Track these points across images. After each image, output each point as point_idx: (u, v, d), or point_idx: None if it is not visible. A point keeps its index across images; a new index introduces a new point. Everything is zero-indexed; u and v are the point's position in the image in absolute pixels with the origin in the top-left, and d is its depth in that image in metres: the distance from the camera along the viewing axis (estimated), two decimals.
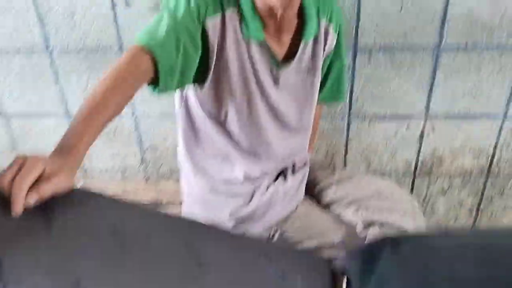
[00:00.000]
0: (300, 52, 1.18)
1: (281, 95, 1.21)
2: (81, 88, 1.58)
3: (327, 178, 1.38)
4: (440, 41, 1.42)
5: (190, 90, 1.22)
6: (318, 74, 1.24)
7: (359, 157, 1.67)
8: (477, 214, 1.78)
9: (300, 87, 1.23)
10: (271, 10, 1.11)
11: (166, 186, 1.66)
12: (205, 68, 1.11)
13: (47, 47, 1.51)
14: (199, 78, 1.13)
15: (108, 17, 1.43)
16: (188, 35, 1.02)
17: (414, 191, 1.74)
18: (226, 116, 1.20)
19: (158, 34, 0.98)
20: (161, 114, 1.62)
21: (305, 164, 1.38)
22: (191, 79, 1.08)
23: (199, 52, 1.06)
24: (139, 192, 1.61)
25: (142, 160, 1.73)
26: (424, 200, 1.76)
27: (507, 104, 1.52)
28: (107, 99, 0.87)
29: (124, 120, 1.64)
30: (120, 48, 1.48)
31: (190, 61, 1.04)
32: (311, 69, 1.23)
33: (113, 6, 1.42)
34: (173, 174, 1.75)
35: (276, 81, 1.19)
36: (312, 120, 1.34)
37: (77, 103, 1.61)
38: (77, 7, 1.42)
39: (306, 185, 1.36)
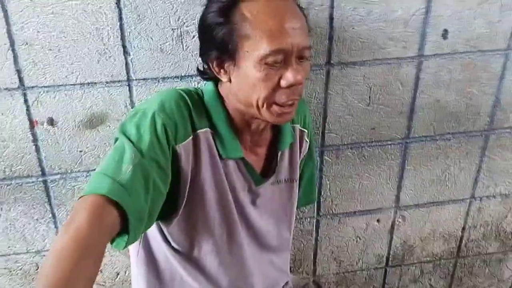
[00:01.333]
0: (278, 164, 1.03)
1: (259, 213, 1.04)
2: None
3: None
4: (409, 132, 1.33)
5: (152, 228, 0.99)
6: (296, 184, 1.10)
7: (329, 258, 1.51)
8: None
9: (278, 199, 1.08)
10: (249, 124, 0.95)
11: None
12: (174, 200, 0.91)
13: None
14: (166, 213, 0.91)
15: (26, 140, 1.13)
16: (157, 170, 0.82)
17: (387, 284, 1.61)
18: (200, 250, 0.99)
19: (122, 176, 0.75)
20: None
21: None
22: (156, 217, 0.85)
23: (169, 185, 0.85)
24: None
25: None
26: None
27: (474, 187, 1.47)
28: (76, 281, 0.63)
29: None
30: (43, 173, 1.18)
31: (160, 198, 0.84)
32: (289, 179, 1.08)
33: (32, 126, 1.12)
34: None
35: (255, 198, 1.03)
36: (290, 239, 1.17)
37: None
38: None
39: None
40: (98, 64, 1.08)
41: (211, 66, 0.90)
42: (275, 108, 0.86)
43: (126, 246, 0.76)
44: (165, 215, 0.92)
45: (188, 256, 1.00)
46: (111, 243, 0.76)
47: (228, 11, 0.83)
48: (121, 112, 1.15)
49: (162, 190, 0.83)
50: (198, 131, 0.90)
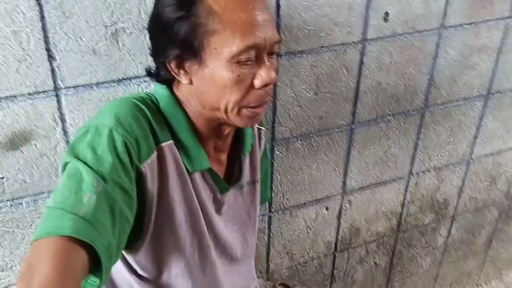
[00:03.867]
0: (242, 167, 0.95)
1: (224, 222, 0.96)
2: None
3: None
4: (354, 117, 1.32)
5: None
6: (258, 185, 1.03)
7: (282, 253, 1.47)
8: (390, 271, 1.76)
9: (242, 204, 1.01)
10: (214, 130, 0.86)
11: None
12: (140, 225, 0.80)
13: None
14: (131, 240, 0.81)
15: None
16: (123, 195, 0.71)
17: (335, 269, 1.61)
18: (170, 275, 0.90)
19: (85, 209, 0.64)
20: None
21: None
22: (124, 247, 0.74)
23: (135, 209, 0.75)
24: None
25: None
26: (344, 273, 1.65)
27: (412, 164, 1.51)
28: None
29: None
30: None
31: (127, 227, 0.73)
32: (251, 181, 1.02)
33: None
34: None
35: (219, 207, 0.95)
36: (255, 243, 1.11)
37: None
38: None
39: None
40: (17, 74, 0.89)
41: (168, 67, 0.78)
42: (245, 112, 0.78)
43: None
44: (130, 243, 0.80)
45: (158, 284, 0.89)
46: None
47: (190, 3, 0.72)
48: (49, 128, 0.97)
49: (129, 218, 0.72)
50: (162, 145, 0.79)
